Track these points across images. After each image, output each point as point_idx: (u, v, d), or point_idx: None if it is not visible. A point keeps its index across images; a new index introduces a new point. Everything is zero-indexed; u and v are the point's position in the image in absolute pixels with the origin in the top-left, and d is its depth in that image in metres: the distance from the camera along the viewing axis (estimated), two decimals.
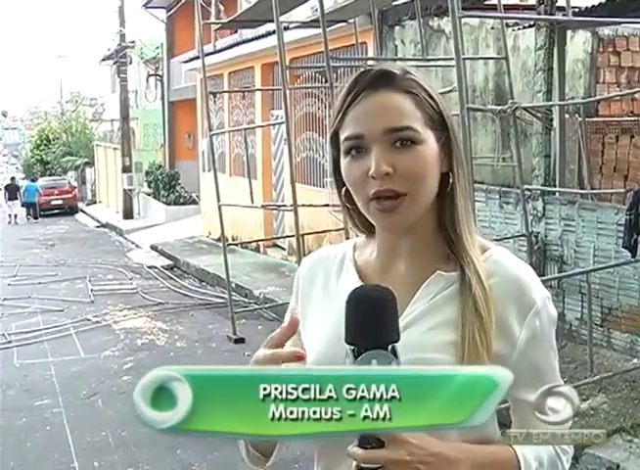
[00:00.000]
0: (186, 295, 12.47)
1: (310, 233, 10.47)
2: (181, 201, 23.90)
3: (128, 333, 9.97)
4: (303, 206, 8.39)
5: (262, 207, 10.41)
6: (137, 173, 27.00)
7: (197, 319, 10.69)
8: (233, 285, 10.74)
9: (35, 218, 33.41)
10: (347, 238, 8.22)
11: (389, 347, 1.24)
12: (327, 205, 9.14)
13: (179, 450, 5.93)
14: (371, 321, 1.26)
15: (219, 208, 9.54)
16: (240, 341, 9.15)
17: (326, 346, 1.48)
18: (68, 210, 34.11)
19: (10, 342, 9.89)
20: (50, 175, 41.07)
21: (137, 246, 20.18)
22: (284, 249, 14.83)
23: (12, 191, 34.08)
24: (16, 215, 33.06)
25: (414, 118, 1.44)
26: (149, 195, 25.76)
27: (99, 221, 28.50)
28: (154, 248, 18.47)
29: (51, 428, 6.62)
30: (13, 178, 37.82)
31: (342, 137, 1.47)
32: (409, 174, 1.41)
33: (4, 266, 16.95)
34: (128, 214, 26.64)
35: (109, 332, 10.16)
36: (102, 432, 6.43)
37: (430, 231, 1.52)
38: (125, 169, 27.23)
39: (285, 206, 9.02)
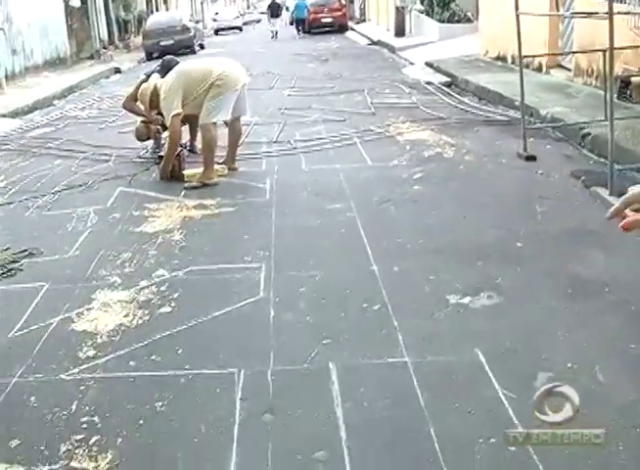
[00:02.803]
0: (467, 111, 11.99)
1: (601, 50, 9.21)
2: (455, 19, 23.09)
3: (414, 144, 9.69)
4: (619, 13, 7.51)
5: (572, 15, 9.49)
6: None
7: (482, 135, 10.22)
8: (517, 103, 10.16)
9: (304, 33, 34.07)
10: None
11: None
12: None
13: (480, 262, 5.64)
14: None
15: (517, 17, 8.82)
16: (531, 158, 8.65)
17: None
18: (338, 27, 34.16)
19: (295, 148, 9.95)
20: None
21: (411, 63, 19.77)
22: (569, 70, 13.87)
23: (274, 9, 34.87)
24: (277, 32, 33.99)
25: None
26: (422, 12, 25.05)
27: (370, 39, 28.28)
28: (429, 65, 18.00)
29: (346, 230, 6.54)
30: None
31: None
32: None
33: (282, 79, 17.22)
34: (400, 32, 26.17)
35: (393, 143, 9.93)
36: (397, 238, 6.25)
37: None
38: None
39: (598, 14, 8.03)
